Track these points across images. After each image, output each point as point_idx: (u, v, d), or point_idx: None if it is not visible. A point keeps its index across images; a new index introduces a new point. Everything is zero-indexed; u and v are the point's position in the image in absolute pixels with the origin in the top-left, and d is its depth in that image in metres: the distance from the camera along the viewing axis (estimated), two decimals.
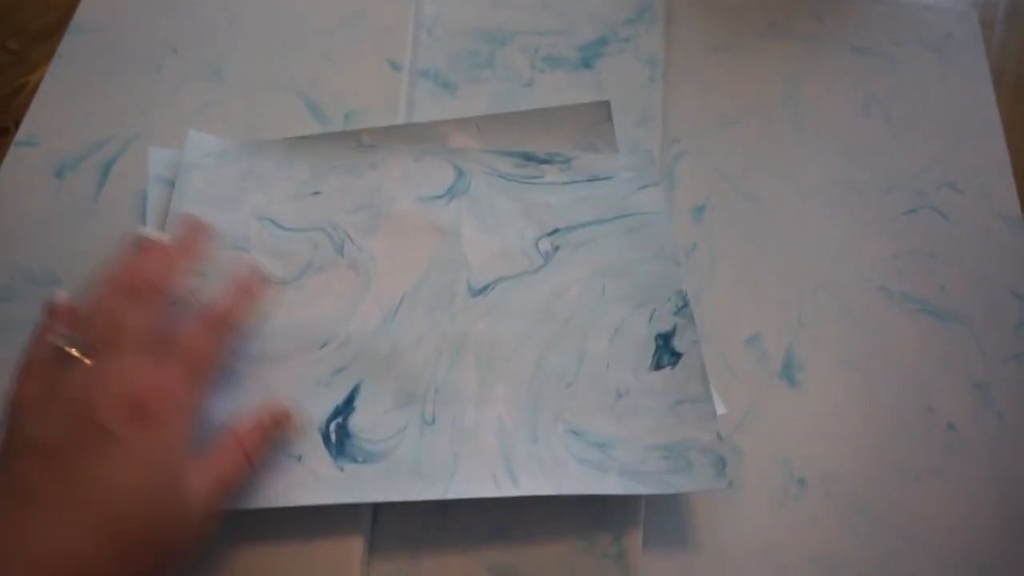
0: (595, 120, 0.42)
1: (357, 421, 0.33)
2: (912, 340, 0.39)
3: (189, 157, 0.40)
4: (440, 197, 0.40)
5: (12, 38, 0.49)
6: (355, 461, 0.32)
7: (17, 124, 0.44)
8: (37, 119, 0.44)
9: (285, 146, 0.41)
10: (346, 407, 0.34)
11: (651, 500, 0.34)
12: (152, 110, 0.44)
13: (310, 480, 0.32)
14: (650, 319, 0.36)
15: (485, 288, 0.37)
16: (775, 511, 0.34)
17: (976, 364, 0.39)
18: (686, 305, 0.36)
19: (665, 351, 0.35)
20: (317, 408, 0.33)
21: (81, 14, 0.49)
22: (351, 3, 0.49)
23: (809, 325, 0.39)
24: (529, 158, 0.41)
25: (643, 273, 0.37)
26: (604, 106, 0.42)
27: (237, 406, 0.33)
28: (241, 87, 0.45)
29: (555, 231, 0.39)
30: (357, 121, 0.44)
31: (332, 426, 0.33)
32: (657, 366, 0.35)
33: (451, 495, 0.31)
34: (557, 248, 0.38)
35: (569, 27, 0.49)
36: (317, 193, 0.39)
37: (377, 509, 0.34)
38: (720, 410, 0.34)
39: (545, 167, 0.41)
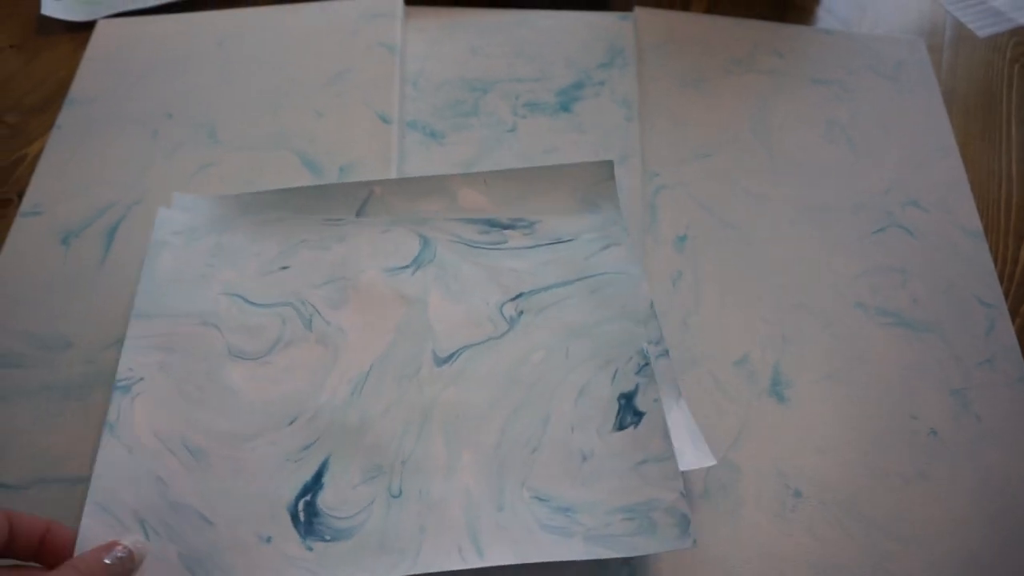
0: (598, 179, 0.43)
1: (326, 498, 0.33)
2: (890, 352, 0.41)
3: (159, 235, 0.41)
4: (406, 267, 0.40)
5: (9, 112, 0.51)
6: (323, 539, 0.32)
7: (20, 195, 0.46)
8: (40, 189, 0.45)
9: (256, 223, 0.42)
10: (315, 483, 0.34)
11: None
12: (150, 174, 0.46)
13: (279, 562, 0.32)
14: (613, 379, 0.36)
15: (451, 356, 0.37)
16: (774, 522, 0.36)
17: (952, 371, 0.41)
18: (647, 364, 0.37)
19: (628, 411, 0.36)
20: (286, 486, 0.34)
21: (76, 86, 0.51)
22: (339, 62, 0.51)
23: (793, 343, 0.41)
24: (493, 224, 0.42)
25: (606, 332, 0.38)
26: (607, 166, 0.43)
27: (207, 487, 0.33)
28: (237, 146, 0.47)
29: (519, 295, 0.39)
30: (352, 173, 0.46)
31: (300, 504, 0.33)
32: (620, 427, 0.35)
33: (418, 570, 0.31)
34: (521, 312, 0.39)
35: (545, 73, 0.52)
36: (286, 268, 0.40)
37: None
38: (708, 462, 0.34)
39: (509, 232, 0.42)
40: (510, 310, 0.39)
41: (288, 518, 0.33)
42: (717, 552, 0.35)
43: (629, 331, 0.38)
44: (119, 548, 0.31)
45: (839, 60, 0.54)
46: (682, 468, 0.34)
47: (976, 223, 0.47)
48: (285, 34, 0.53)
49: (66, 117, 0.49)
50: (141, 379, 0.36)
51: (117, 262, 0.42)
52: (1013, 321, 0.43)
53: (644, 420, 0.35)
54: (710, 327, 0.41)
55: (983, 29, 0.59)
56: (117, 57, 0.52)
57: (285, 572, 0.32)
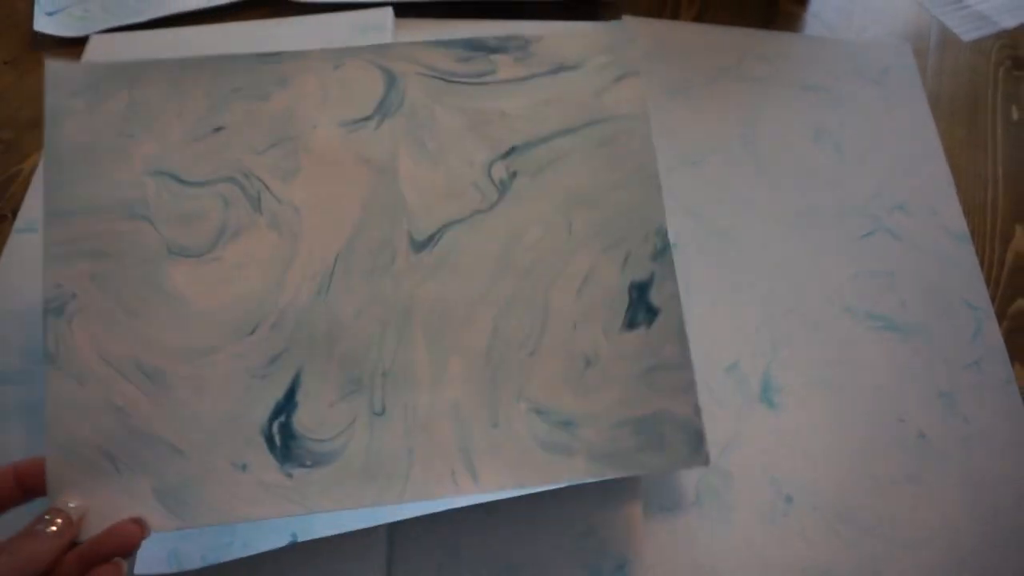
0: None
1: (301, 418, 0.30)
2: (878, 355, 0.42)
3: (54, 98, 0.32)
4: (368, 119, 0.33)
5: (3, 128, 0.51)
6: (303, 466, 0.30)
7: (14, 212, 0.46)
8: (35, 206, 0.46)
9: (170, 68, 0.33)
10: (287, 403, 0.30)
11: (651, 526, 0.36)
12: None
13: (257, 491, 0.29)
14: (624, 264, 0.32)
15: (431, 239, 0.32)
16: (766, 527, 0.36)
17: (939, 373, 0.41)
18: (666, 247, 0.32)
19: (640, 306, 0.31)
20: (256, 407, 0.30)
21: None
22: None
23: (782, 349, 0.42)
24: (476, 47, 0.34)
25: (616, 203, 0.32)
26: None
27: (171, 413, 0.30)
28: None
29: (512, 151, 0.33)
30: None
31: (275, 426, 0.30)
32: (630, 325, 0.31)
33: (407, 499, 0.29)
34: (514, 174, 0.33)
35: None
36: (219, 129, 0.33)
37: (391, 557, 0.35)
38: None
39: (497, 58, 0.34)
40: (500, 172, 0.33)
41: (263, 442, 0.30)
42: (710, 558, 0.35)
43: (644, 199, 0.32)
44: (49, 513, 0.28)
45: (826, 66, 0.55)
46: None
47: (962, 226, 0.47)
48: (277, 47, 0.53)
49: None
50: (73, 295, 0.31)
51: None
52: (999, 323, 0.44)
53: (658, 319, 0.31)
54: (701, 334, 0.42)
55: (968, 33, 0.60)
56: None
57: (264, 502, 0.29)
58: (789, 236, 0.46)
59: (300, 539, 0.32)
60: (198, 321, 0.31)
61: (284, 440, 0.30)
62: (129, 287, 0.31)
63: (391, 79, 0.34)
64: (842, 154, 0.50)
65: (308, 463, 0.30)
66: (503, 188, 0.33)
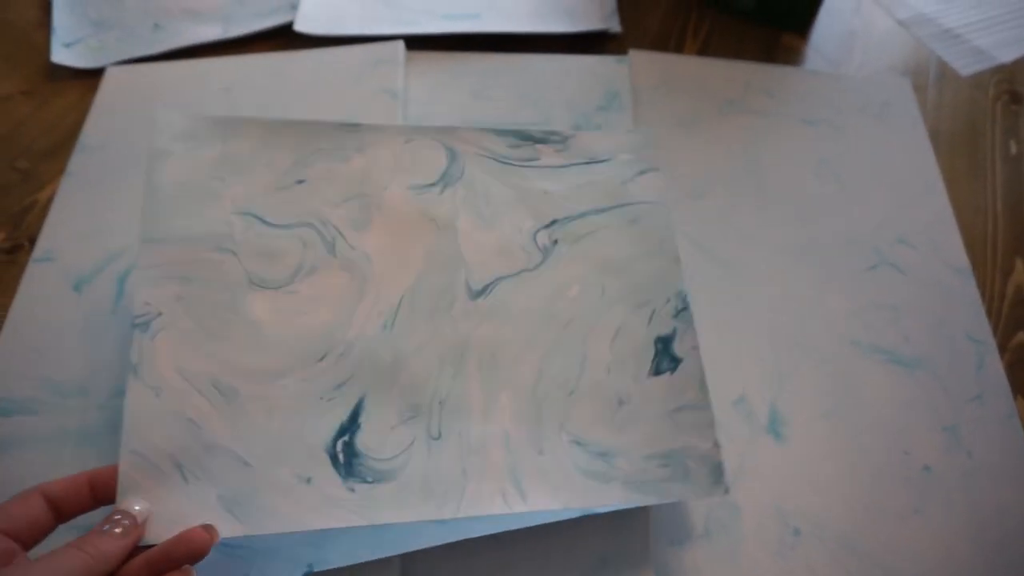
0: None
1: (363, 439, 0.33)
2: (883, 389, 0.42)
3: (159, 142, 0.37)
4: (433, 185, 0.38)
5: (20, 158, 0.52)
6: (365, 481, 0.32)
7: (31, 240, 0.47)
8: (51, 235, 0.46)
9: (262, 127, 0.38)
10: (351, 424, 0.33)
11: (660, 559, 0.36)
12: None
13: (321, 502, 0.31)
14: (649, 321, 0.36)
15: (485, 289, 0.36)
16: (774, 560, 0.37)
17: (943, 407, 0.42)
18: (686, 308, 0.37)
19: (665, 356, 0.36)
20: (321, 426, 0.33)
21: (86, 132, 0.52)
22: (344, 109, 0.52)
23: (789, 381, 0.42)
24: (524, 137, 0.40)
25: (642, 271, 0.37)
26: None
27: (240, 429, 0.32)
28: None
29: (553, 222, 0.38)
30: None
31: (339, 445, 0.32)
32: (657, 371, 0.35)
33: (463, 514, 0.31)
34: (556, 242, 0.38)
35: (546, 117, 0.53)
36: (301, 182, 0.37)
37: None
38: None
39: (541, 147, 0.40)
40: (544, 239, 0.38)
41: (327, 459, 0.32)
42: None
43: (665, 269, 0.38)
44: (117, 514, 0.30)
45: (828, 100, 0.56)
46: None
47: (963, 260, 0.48)
48: (291, 81, 0.54)
49: (76, 163, 0.50)
50: (160, 314, 0.34)
51: (129, 308, 0.43)
52: (1001, 356, 0.44)
53: (681, 367, 0.36)
54: (708, 367, 0.42)
55: (966, 68, 0.61)
56: (126, 103, 0.53)
57: (329, 513, 0.31)
58: (793, 268, 0.47)
59: (316, 569, 0.32)
60: (272, 346, 0.34)
61: (347, 457, 0.32)
62: (211, 311, 0.34)
63: (453, 155, 0.39)
64: (844, 187, 0.51)
65: (369, 479, 0.32)
66: (546, 252, 0.38)
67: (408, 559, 0.35)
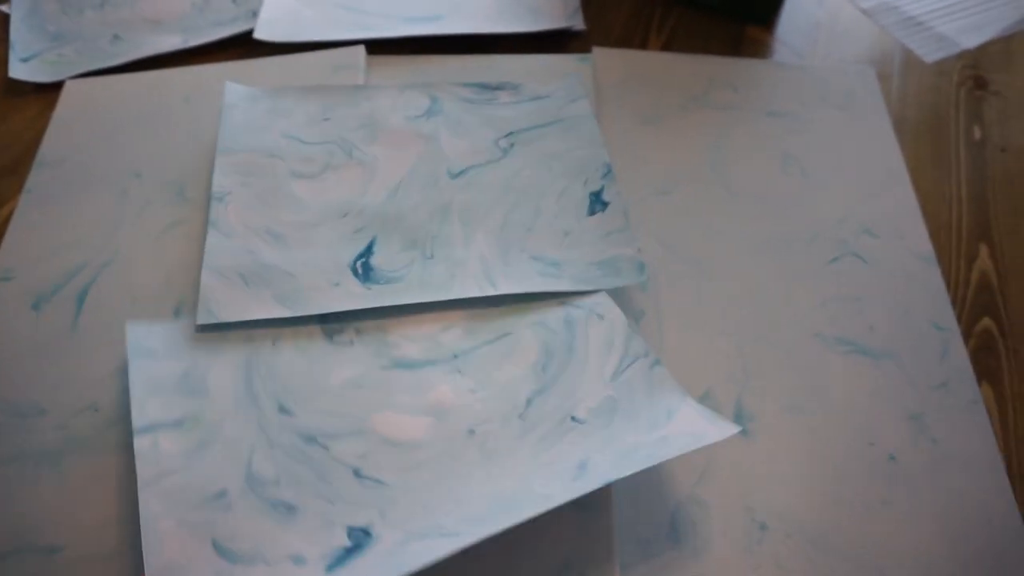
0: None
1: (376, 260, 0.44)
2: (849, 380, 0.42)
3: (228, 99, 0.52)
4: (421, 116, 0.51)
5: None
6: (378, 283, 0.43)
7: None
8: (10, 253, 0.46)
9: (299, 91, 0.52)
10: (367, 251, 0.45)
11: (627, 558, 0.36)
12: (120, 234, 0.47)
13: (345, 296, 0.42)
14: (585, 183, 0.47)
15: (461, 172, 0.49)
16: (741, 557, 0.37)
17: (908, 396, 0.42)
18: (610, 172, 0.47)
19: (597, 202, 0.46)
20: (345, 253, 0.44)
21: (45, 148, 0.51)
22: None
23: (754, 376, 0.42)
24: (486, 87, 0.54)
25: (577, 156, 0.49)
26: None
27: (287, 255, 0.44)
28: (206, 204, 0.48)
29: (510, 133, 0.51)
30: None
31: (358, 264, 0.44)
32: (591, 213, 0.46)
33: (452, 295, 0.42)
34: (512, 144, 0.50)
35: None
36: (327, 119, 0.51)
37: None
38: (732, 430, 0.35)
39: (499, 92, 0.53)
40: (504, 143, 0.50)
41: (350, 271, 0.44)
42: None
43: (594, 154, 0.49)
44: None
45: (792, 92, 0.56)
46: (707, 443, 0.34)
47: (928, 248, 0.48)
48: (253, 86, 0.54)
49: (36, 179, 0.50)
50: (230, 192, 0.46)
51: (88, 326, 0.43)
52: (966, 343, 0.44)
53: (609, 207, 0.46)
54: (674, 364, 0.43)
55: (930, 55, 0.61)
56: (85, 117, 0.53)
57: (352, 302, 0.42)
58: (759, 263, 0.47)
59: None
60: (308, 209, 0.47)
61: (365, 271, 0.44)
62: (265, 190, 0.47)
63: (434, 98, 0.53)
64: (809, 179, 0.51)
65: (381, 281, 0.43)
66: (505, 151, 0.50)
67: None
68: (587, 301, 0.42)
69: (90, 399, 0.40)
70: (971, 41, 0.62)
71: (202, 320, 0.41)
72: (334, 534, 0.34)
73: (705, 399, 0.41)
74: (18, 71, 0.56)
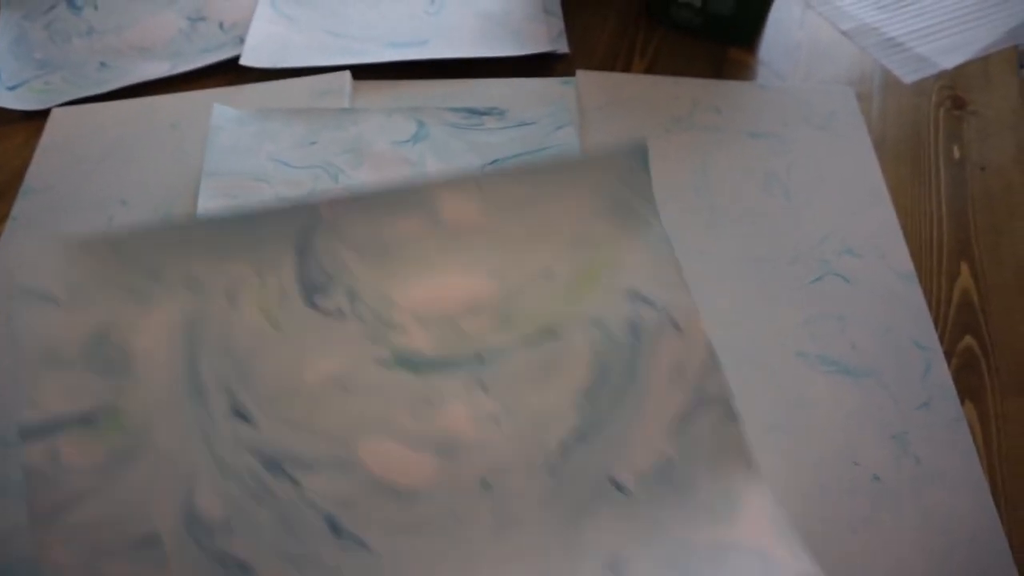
0: (628, 170, 0.34)
1: None
2: (831, 399, 0.43)
3: (215, 122, 0.52)
4: (407, 141, 0.51)
5: None
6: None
7: None
8: None
9: (287, 114, 0.53)
10: None
11: None
12: None
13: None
14: None
15: None
16: None
17: (891, 415, 0.42)
18: None
19: None
20: None
21: (31, 175, 0.51)
22: None
23: (737, 396, 0.42)
24: (473, 111, 0.54)
25: None
26: (640, 152, 0.35)
27: None
28: None
29: (495, 160, 0.50)
30: None
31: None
32: None
33: None
34: None
35: None
36: (314, 143, 0.51)
37: None
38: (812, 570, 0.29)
39: (485, 118, 0.53)
40: (487, 169, 0.47)
41: None
42: None
43: None
44: None
45: (774, 113, 0.57)
46: None
47: (909, 266, 0.49)
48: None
49: (22, 206, 0.50)
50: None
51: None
52: (948, 362, 0.45)
53: None
54: None
55: (909, 75, 0.62)
56: (72, 144, 0.53)
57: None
58: (743, 284, 0.47)
59: None
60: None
61: None
62: None
63: (421, 123, 0.53)
64: (791, 199, 0.52)
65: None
66: None
67: None
68: (664, 296, 0.31)
69: None
70: (949, 61, 0.63)
71: None
72: None
73: None
74: (5, 99, 0.56)
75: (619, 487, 0.29)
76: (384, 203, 0.32)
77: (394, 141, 0.52)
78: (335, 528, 0.27)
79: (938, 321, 0.47)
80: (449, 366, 0.30)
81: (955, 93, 0.61)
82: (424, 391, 0.29)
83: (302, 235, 0.31)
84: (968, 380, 0.44)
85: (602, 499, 0.28)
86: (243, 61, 0.57)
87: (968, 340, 0.46)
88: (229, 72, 0.58)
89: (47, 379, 0.26)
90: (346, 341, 0.30)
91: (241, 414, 0.28)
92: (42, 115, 0.55)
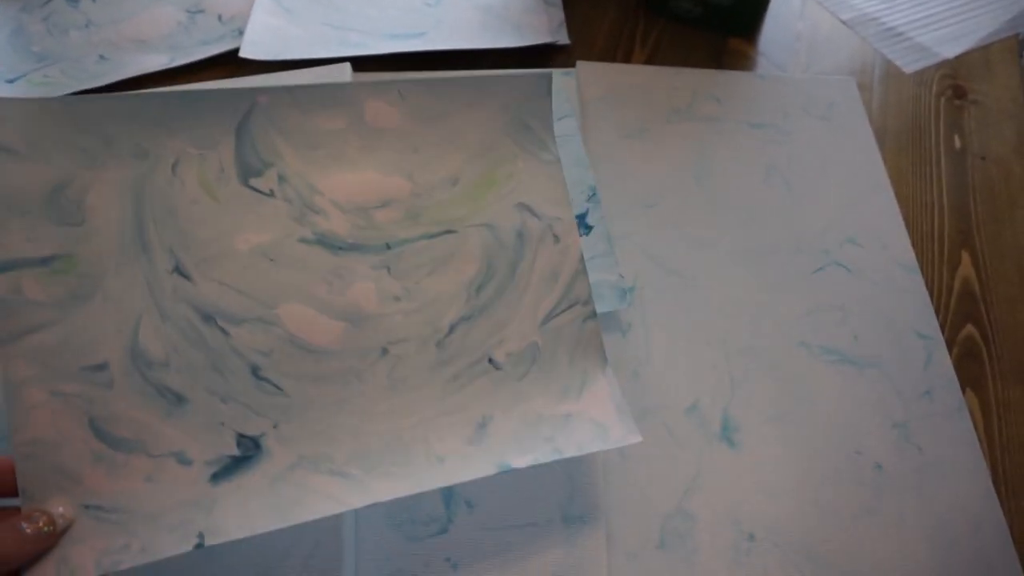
0: (531, 94, 0.38)
1: None
2: (834, 389, 0.43)
3: None
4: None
5: None
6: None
7: None
8: None
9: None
10: None
11: (616, 571, 0.36)
12: None
13: None
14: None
15: None
16: (730, 568, 0.37)
17: (893, 404, 0.42)
18: (595, 195, 0.48)
19: (581, 225, 0.46)
20: None
21: None
22: None
23: (740, 387, 0.43)
24: None
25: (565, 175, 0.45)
26: (543, 80, 0.38)
27: None
28: None
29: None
30: None
31: None
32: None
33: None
34: None
35: None
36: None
37: None
38: (634, 438, 0.34)
39: None
40: None
41: None
42: None
43: (579, 175, 0.49)
44: (37, 515, 0.28)
45: (774, 104, 0.57)
46: (608, 446, 0.34)
47: (910, 256, 0.49)
48: None
49: None
50: None
51: None
52: (949, 351, 0.45)
53: (592, 231, 0.46)
54: (661, 376, 0.43)
55: (910, 65, 0.62)
56: None
57: None
58: (744, 274, 0.47)
59: (207, 542, 0.29)
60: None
61: None
62: None
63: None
64: (792, 189, 0.52)
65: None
66: None
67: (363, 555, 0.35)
68: (549, 211, 0.37)
69: None
70: (950, 51, 0.63)
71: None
72: (223, 438, 0.31)
73: (693, 411, 0.42)
74: (4, 92, 0.56)
75: (493, 362, 0.35)
76: (315, 98, 0.35)
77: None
78: (256, 373, 0.32)
79: (939, 310, 0.47)
80: (360, 249, 0.35)
81: (956, 82, 0.61)
82: (338, 268, 0.34)
83: (241, 119, 0.34)
84: (969, 369, 0.44)
85: (478, 370, 0.35)
86: (243, 53, 0.57)
87: (969, 329, 0.46)
88: (228, 64, 0.58)
89: (11, 224, 0.30)
90: (274, 218, 0.34)
91: (181, 272, 0.32)
92: None
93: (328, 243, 0.34)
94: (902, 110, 0.59)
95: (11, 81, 0.57)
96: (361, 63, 0.57)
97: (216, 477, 0.31)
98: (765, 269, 0.48)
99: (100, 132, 0.32)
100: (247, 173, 0.34)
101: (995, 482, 0.40)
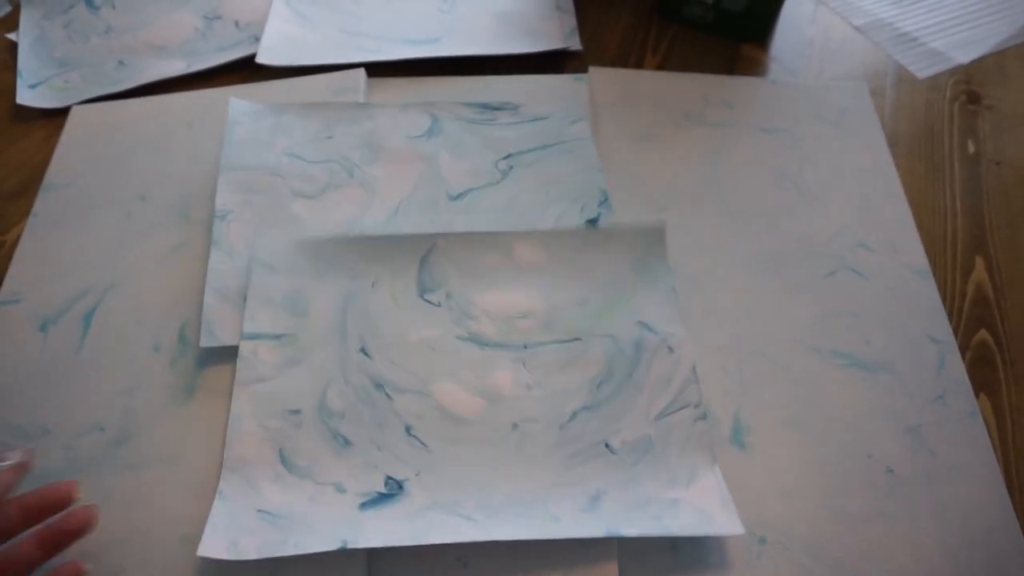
0: (649, 242, 0.46)
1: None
2: (845, 393, 0.43)
3: (232, 116, 0.53)
4: (421, 136, 0.53)
5: None
6: None
7: None
8: (18, 276, 0.47)
9: (301, 108, 0.53)
10: None
11: (625, 569, 0.36)
12: (125, 257, 0.48)
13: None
14: (581, 209, 0.49)
15: (460, 195, 0.50)
16: (741, 570, 0.37)
17: (905, 409, 0.42)
18: (607, 200, 0.49)
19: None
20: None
21: (52, 172, 0.52)
22: None
23: (751, 390, 0.43)
24: (486, 106, 0.55)
25: (575, 181, 0.50)
26: (658, 232, 0.46)
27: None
28: (210, 226, 0.49)
29: (509, 155, 0.52)
30: None
31: None
32: None
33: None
34: (511, 167, 0.51)
35: None
36: (330, 137, 0.52)
37: None
38: (736, 530, 0.36)
39: (498, 113, 0.54)
40: (503, 165, 0.51)
41: None
42: None
43: (592, 180, 0.50)
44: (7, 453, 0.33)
45: (786, 109, 0.57)
46: (711, 533, 0.36)
47: (923, 261, 0.49)
48: None
49: (42, 203, 0.51)
50: (232, 210, 0.48)
51: (94, 347, 0.43)
52: (962, 356, 0.45)
53: None
54: None
55: (923, 70, 0.62)
56: (91, 142, 0.54)
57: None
58: (756, 278, 0.47)
59: (349, 546, 0.35)
60: (308, 229, 0.48)
61: None
62: (266, 210, 0.48)
63: (435, 118, 0.54)
64: (804, 194, 0.52)
65: None
66: (504, 173, 0.51)
67: (375, 559, 0.36)
68: (664, 328, 0.43)
69: (96, 420, 0.40)
70: (964, 56, 0.63)
71: (205, 343, 0.42)
72: (375, 478, 0.38)
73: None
74: (26, 97, 0.57)
75: (609, 447, 0.39)
76: (478, 243, 0.46)
77: (408, 136, 0.52)
78: (409, 431, 0.40)
79: (952, 315, 0.47)
80: (503, 347, 0.43)
81: (970, 88, 0.61)
82: (483, 359, 0.42)
83: (424, 254, 0.46)
84: (983, 374, 0.44)
85: (595, 452, 0.39)
86: (259, 59, 0.58)
87: (983, 334, 0.46)
88: (244, 70, 0.59)
89: (262, 311, 0.43)
90: (439, 321, 0.44)
91: (365, 352, 0.42)
92: (62, 113, 0.56)
93: (478, 340, 0.43)
94: (915, 115, 0.59)
95: (33, 86, 0.58)
96: (376, 69, 0.57)
97: (364, 506, 0.37)
98: (777, 273, 0.48)
99: (328, 260, 0.45)
100: (423, 290, 0.45)
101: (1008, 486, 0.40)
